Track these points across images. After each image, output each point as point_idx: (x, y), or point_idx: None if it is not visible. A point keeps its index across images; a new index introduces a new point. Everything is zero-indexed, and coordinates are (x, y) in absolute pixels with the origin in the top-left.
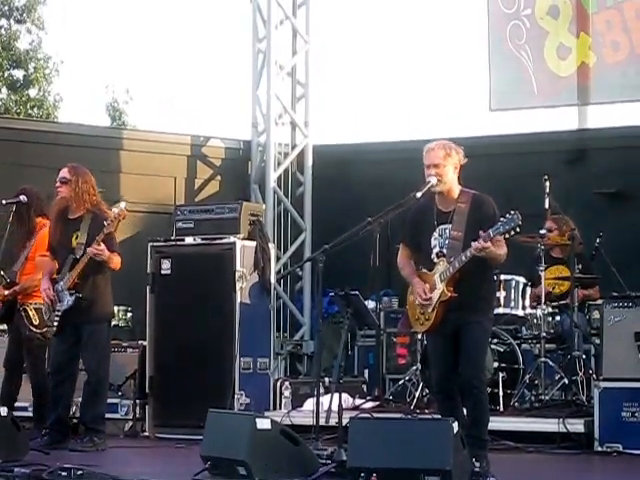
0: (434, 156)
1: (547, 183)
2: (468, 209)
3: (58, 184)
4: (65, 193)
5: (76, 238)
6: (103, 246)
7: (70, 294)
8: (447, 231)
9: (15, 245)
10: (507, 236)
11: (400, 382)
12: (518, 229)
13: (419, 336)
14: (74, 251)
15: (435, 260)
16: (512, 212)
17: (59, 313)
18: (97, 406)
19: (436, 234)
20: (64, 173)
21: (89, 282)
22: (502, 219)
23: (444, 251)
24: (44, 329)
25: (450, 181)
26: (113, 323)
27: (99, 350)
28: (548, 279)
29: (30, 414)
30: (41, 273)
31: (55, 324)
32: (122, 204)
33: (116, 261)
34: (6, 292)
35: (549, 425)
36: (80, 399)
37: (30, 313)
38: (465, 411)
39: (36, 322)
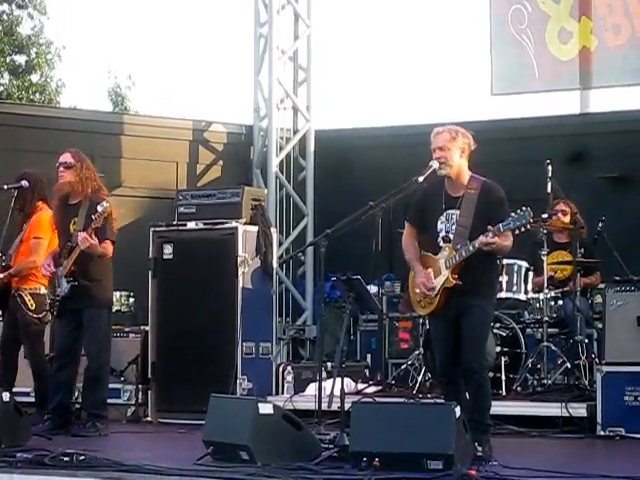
0: (440, 139)
1: (549, 167)
2: (477, 196)
3: (62, 169)
4: (69, 178)
5: (74, 224)
6: (95, 240)
7: (67, 281)
8: (454, 216)
9: (15, 230)
10: (517, 232)
11: (402, 367)
12: (529, 226)
13: (421, 320)
14: (71, 238)
15: (441, 244)
16: (524, 208)
17: (58, 298)
18: (98, 392)
19: (443, 218)
20: (67, 158)
21: (86, 268)
22: (513, 214)
23: (450, 236)
24: (41, 314)
25: (456, 165)
26: (115, 309)
27: (99, 335)
28: (550, 264)
29: (32, 399)
30: (36, 255)
31: (49, 308)
32: (105, 203)
33: (104, 250)
34: (0, 275)
35: (552, 409)
36: (81, 384)
37: (26, 298)
38: (467, 395)
39: (32, 307)
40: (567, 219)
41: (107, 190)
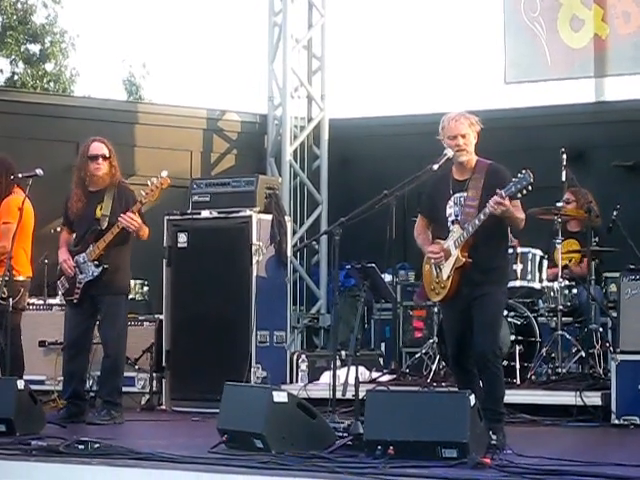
0: (460, 126)
1: (564, 156)
2: (484, 177)
3: (100, 161)
4: (106, 169)
5: (100, 209)
6: (138, 218)
7: (96, 265)
8: (462, 199)
9: None
10: (520, 195)
11: (417, 355)
12: (530, 187)
13: (435, 309)
14: (99, 222)
15: (450, 228)
16: (523, 171)
17: (80, 285)
18: (115, 379)
19: (451, 202)
20: (102, 149)
21: (113, 253)
22: (514, 179)
23: (459, 219)
24: (14, 300)
25: (472, 150)
26: (129, 297)
27: (118, 323)
28: (562, 253)
29: (45, 387)
30: (6, 240)
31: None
32: (164, 172)
33: (145, 231)
34: None
35: (566, 398)
36: (97, 373)
37: None
38: (481, 384)
39: (4, 294)
40: (571, 207)
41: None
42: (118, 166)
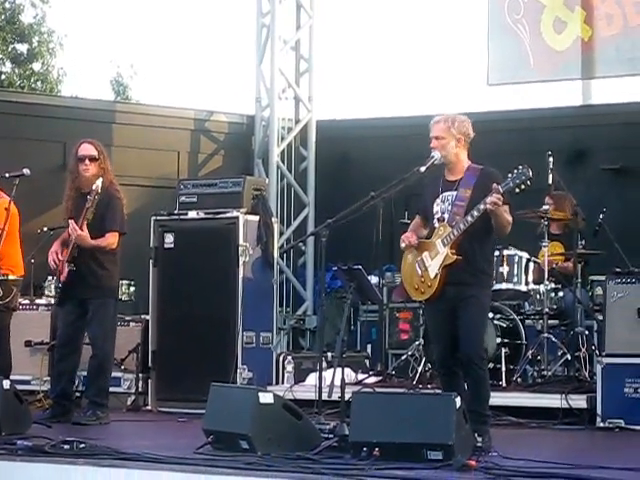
0: (436, 128)
1: (550, 159)
2: (476, 178)
3: (87, 162)
4: (94, 171)
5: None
6: (85, 231)
7: (67, 266)
8: (450, 197)
9: None
10: (517, 190)
11: (403, 357)
12: (529, 182)
13: (421, 311)
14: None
15: (435, 225)
16: (521, 166)
17: (60, 285)
18: (102, 380)
19: (438, 200)
20: (91, 150)
21: (93, 257)
22: (510, 174)
23: (445, 216)
24: (6, 300)
25: (451, 154)
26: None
27: (106, 324)
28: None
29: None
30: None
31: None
32: (98, 181)
33: (106, 243)
34: None
35: (551, 401)
36: (83, 373)
37: None
38: (466, 386)
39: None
40: (550, 209)
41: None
42: (109, 169)
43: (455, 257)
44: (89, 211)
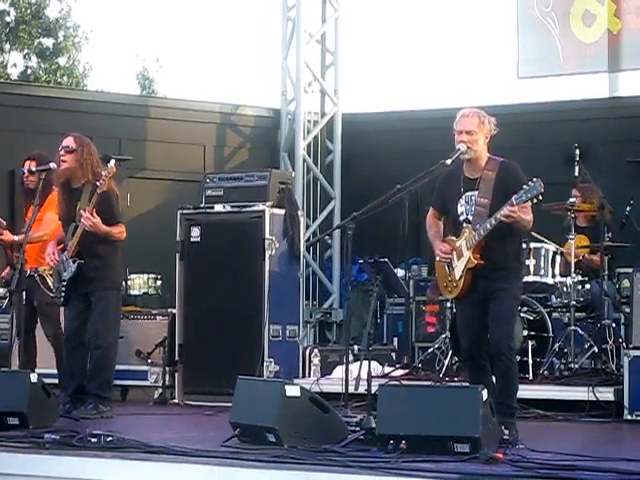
0: (468, 122)
1: (577, 151)
2: (495, 176)
3: (62, 152)
4: (70, 163)
5: (79, 207)
6: (97, 218)
7: (73, 261)
8: (473, 198)
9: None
10: (530, 204)
11: (429, 350)
12: (541, 197)
13: (448, 304)
14: (76, 219)
15: (463, 226)
16: (534, 180)
17: (64, 283)
18: (105, 372)
19: (462, 201)
20: (69, 142)
21: (91, 249)
22: (524, 187)
23: (470, 218)
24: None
25: (480, 149)
26: (143, 291)
27: (107, 315)
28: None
29: (55, 380)
30: (50, 228)
31: (56, 294)
32: (112, 162)
33: (118, 231)
34: (16, 237)
35: (578, 393)
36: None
37: (47, 278)
38: (494, 379)
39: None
40: (577, 202)
41: (132, 173)
42: (96, 165)
43: (476, 262)
44: (95, 197)
